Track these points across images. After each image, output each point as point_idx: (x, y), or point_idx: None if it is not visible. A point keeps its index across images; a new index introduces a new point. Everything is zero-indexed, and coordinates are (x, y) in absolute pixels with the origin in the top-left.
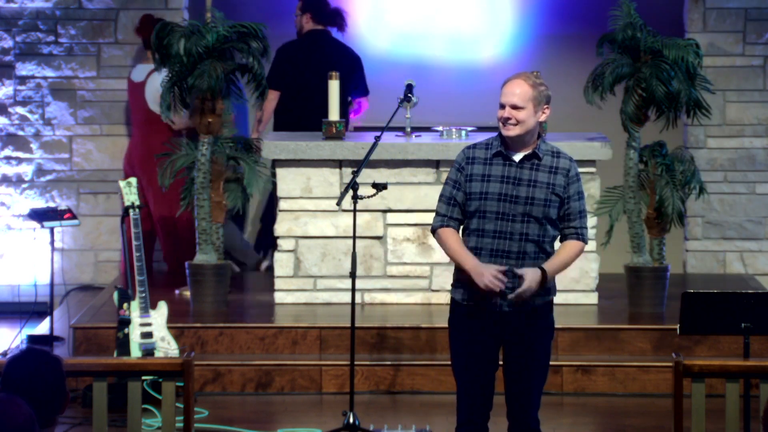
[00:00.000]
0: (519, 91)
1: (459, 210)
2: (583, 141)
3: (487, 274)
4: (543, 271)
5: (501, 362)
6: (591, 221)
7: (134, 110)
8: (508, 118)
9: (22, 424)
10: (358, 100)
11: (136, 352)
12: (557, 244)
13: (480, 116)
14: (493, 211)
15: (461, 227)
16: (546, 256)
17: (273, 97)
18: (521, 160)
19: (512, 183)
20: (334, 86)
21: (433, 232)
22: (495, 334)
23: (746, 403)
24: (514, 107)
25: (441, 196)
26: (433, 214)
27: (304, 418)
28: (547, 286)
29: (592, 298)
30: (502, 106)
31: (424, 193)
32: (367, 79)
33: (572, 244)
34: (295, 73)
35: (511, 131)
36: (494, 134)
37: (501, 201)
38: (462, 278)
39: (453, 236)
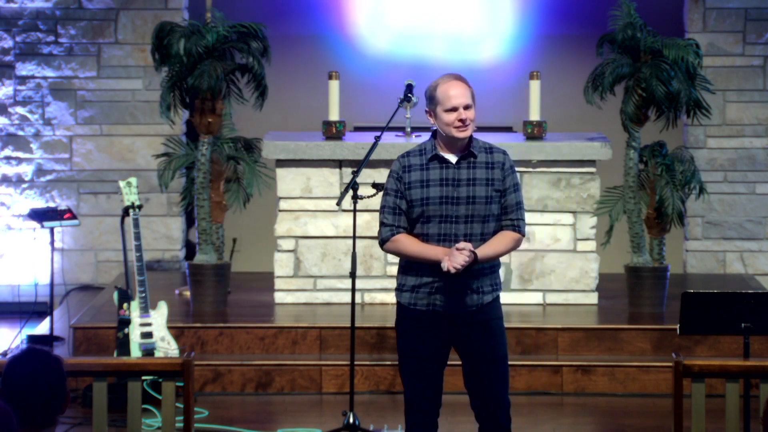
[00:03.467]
0: (466, 92)
1: (405, 218)
2: (583, 141)
3: (455, 252)
4: (474, 255)
5: (459, 363)
6: (591, 221)
7: None
8: (465, 119)
9: None
10: None
11: (136, 352)
12: None
13: (479, 116)
14: (436, 215)
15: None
16: None
17: None
18: (458, 161)
19: (452, 185)
20: (334, 86)
21: (384, 242)
22: (444, 336)
23: (746, 403)
24: (467, 107)
25: (384, 207)
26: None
27: (304, 418)
28: (494, 281)
29: (592, 298)
30: (454, 109)
31: None
32: (367, 79)
33: (507, 234)
34: None
35: (467, 132)
36: (426, 138)
37: (443, 204)
38: (408, 282)
39: (409, 238)
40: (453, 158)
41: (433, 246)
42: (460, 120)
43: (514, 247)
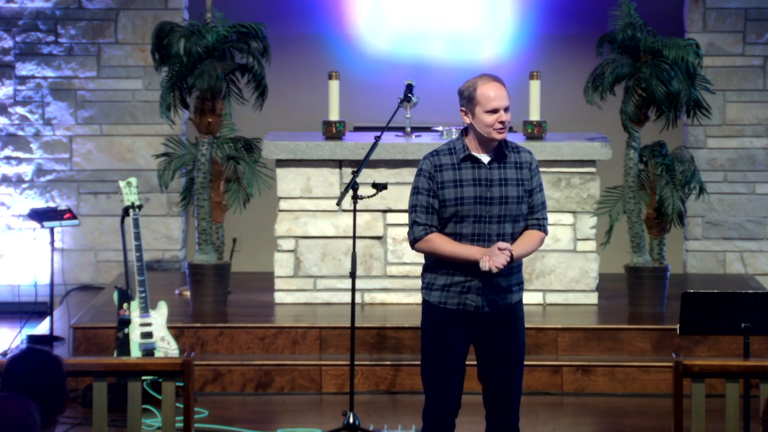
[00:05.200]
0: (506, 94)
1: (437, 218)
2: (583, 141)
3: (497, 251)
4: (511, 254)
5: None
6: (591, 221)
7: None
8: (505, 122)
9: (17, 416)
10: None
11: (136, 352)
12: None
13: None
14: (470, 214)
15: None
16: None
17: None
18: (490, 161)
19: (485, 185)
20: (334, 86)
21: (417, 241)
22: (468, 334)
23: (746, 403)
24: (506, 109)
25: (415, 206)
26: (409, 225)
27: (304, 418)
28: (519, 280)
29: (592, 298)
30: (495, 111)
31: None
32: (367, 79)
33: (535, 233)
34: None
35: (505, 134)
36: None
37: (477, 204)
38: (438, 281)
39: (442, 238)
40: (485, 158)
41: (468, 245)
42: (501, 122)
43: (539, 246)
